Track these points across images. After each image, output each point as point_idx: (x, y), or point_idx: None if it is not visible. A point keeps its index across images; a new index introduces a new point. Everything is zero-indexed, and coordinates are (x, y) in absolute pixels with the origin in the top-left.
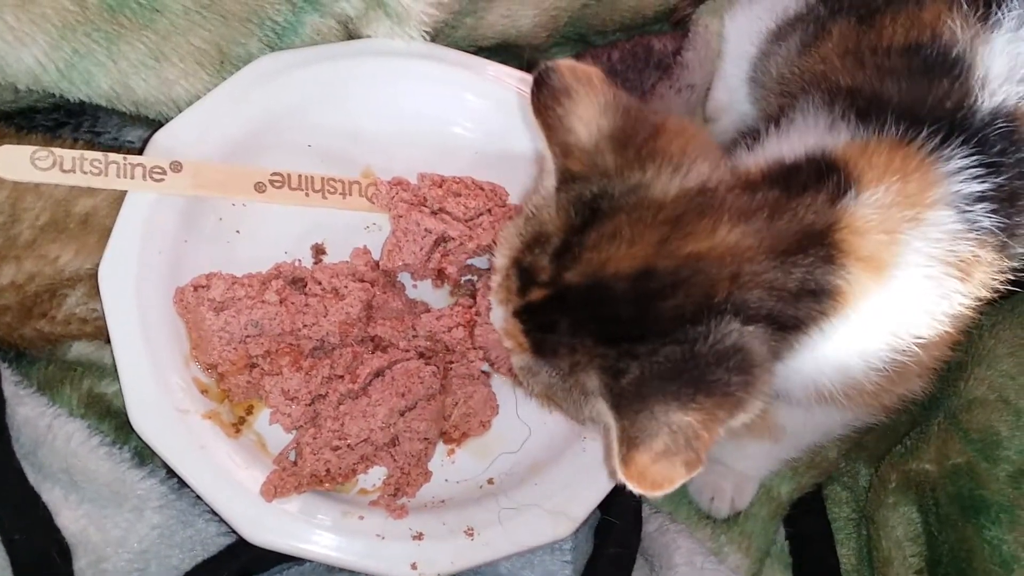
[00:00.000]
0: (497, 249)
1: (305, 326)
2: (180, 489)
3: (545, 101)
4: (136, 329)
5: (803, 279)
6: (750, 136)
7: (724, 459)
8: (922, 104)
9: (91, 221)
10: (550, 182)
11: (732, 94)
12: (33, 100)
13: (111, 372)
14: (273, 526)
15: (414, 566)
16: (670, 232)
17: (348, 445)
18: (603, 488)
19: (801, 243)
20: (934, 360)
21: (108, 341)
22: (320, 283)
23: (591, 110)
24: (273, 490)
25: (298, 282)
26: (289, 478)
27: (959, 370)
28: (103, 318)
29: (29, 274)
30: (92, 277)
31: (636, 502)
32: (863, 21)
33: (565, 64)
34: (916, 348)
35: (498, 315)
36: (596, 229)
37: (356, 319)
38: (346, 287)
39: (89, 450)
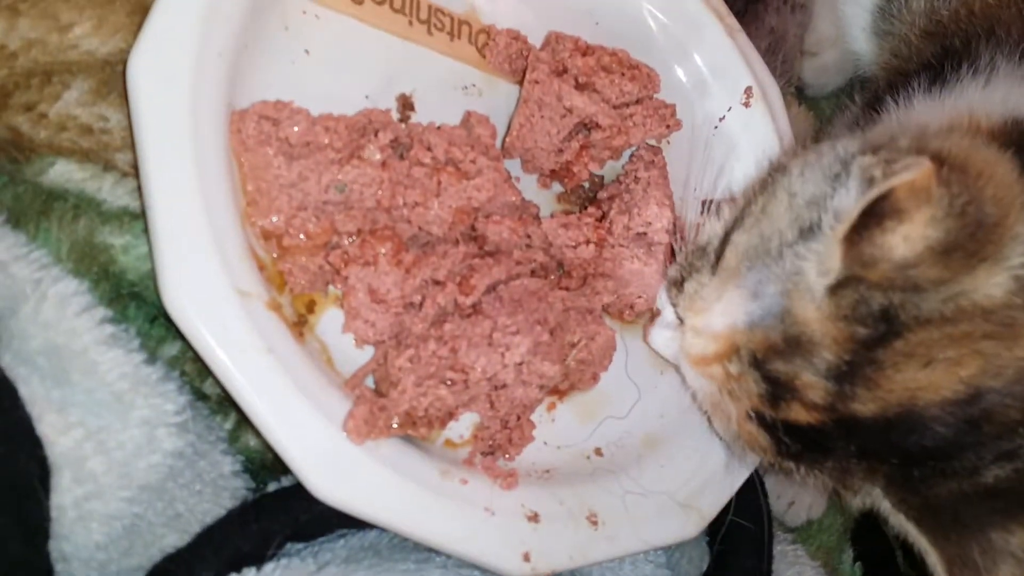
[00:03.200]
0: (688, 307)
1: (407, 205)
2: (196, 402)
3: (865, 225)
4: (187, 161)
5: None
6: (924, 77)
7: None
8: None
9: None
10: (817, 280)
11: (843, 27)
12: None
13: (116, 216)
14: (356, 480)
15: (527, 557)
16: (1000, 345)
17: (465, 382)
18: (736, 480)
19: None
20: None
21: (108, 168)
22: (431, 149)
23: (920, 228)
24: (363, 428)
25: (395, 143)
26: (380, 414)
27: None
28: (111, 132)
29: (24, 38)
30: (108, 68)
31: (764, 502)
32: None
33: (904, 185)
34: None
35: (700, 384)
36: (899, 350)
37: (476, 209)
38: (474, 162)
39: (92, 325)
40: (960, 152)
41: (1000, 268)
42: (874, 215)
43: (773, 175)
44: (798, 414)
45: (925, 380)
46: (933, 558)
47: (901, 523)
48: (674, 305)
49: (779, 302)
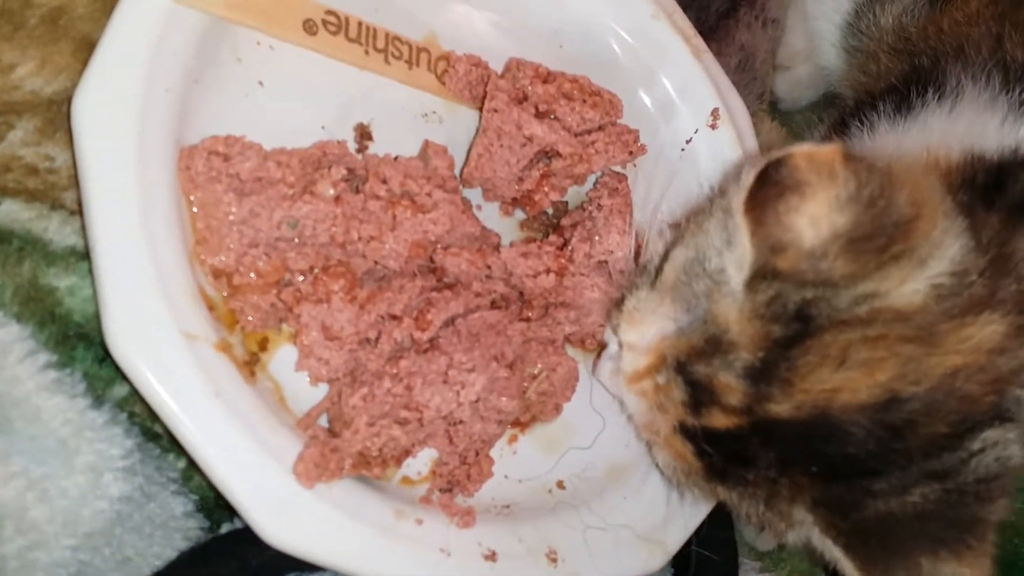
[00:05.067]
0: (627, 320)
1: (361, 240)
2: (146, 443)
3: (764, 198)
4: (132, 201)
5: None
6: (890, 101)
7: None
8: None
9: (62, 22)
10: (735, 274)
11: (815, 40)
12: None
13: (62, 256)
14: (306, 524)
15: None
16: (919, 350)
17: (420, 420)
18: (700, 511)
19: None
20: None
21: (55, 207)
22: (386, 182)
23: (824, 207)
24: (313, 471)
25: (351, 176)
26: (332, 455)
27: None
28: (58, 172)
29: None
30: (53, 107)
31: (730, 533)
32: None
33: (802, 154)
34: None
35: (634, 403)
36: (813, 350)
37: (433, 242)
38: (429, 195)
39: (34, 371)
40: (882, 159)
41: (917, 274)
42: (775, 184)
43: (713, 197)
44: (717, 419)
45: (840, 381)
46: None
47: (830, 550)
48: (614, 328)
49: (704, 306)
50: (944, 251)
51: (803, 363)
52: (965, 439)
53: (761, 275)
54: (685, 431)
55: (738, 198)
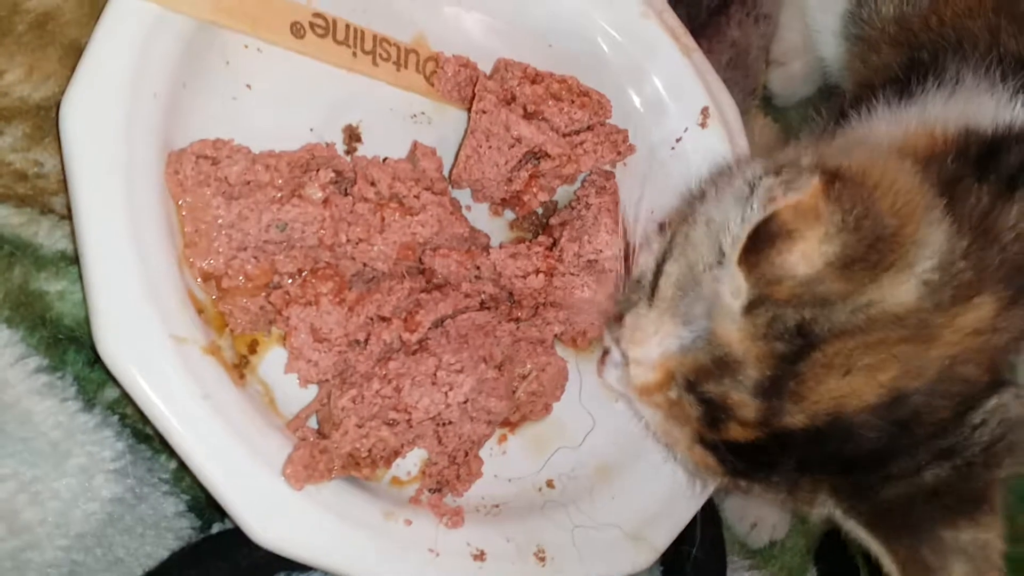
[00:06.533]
0: (629, 339)
1: (350, 242)
2: (137, 445)
3: (757, 251)
4: (119, 205)
5: None
6: (890, 90)
7: None
8: None
9: (50, 28)
10: (732, 301)
11: (814, 30)
12: None
13: (52, 261)
14: (296, 525)
15: None
16: (917, 347)
17: (408, 421)
18: (688, 510)
19: None
20: None
21: (45, 212)
22: (375, 184)
23: (814, 243)
24: (303, 473)
25: (339, 178)
26: (321, 457)
27: None
28: (47, 177)
29: None
30: (41, 113)
31: (718, 531)
32: None
33: (787, 208)
34: None
35: (649, 415)
36: (818, 362)
37: (421, 244)
38: (417, 197)
39: (25, 375)
40: (858, 166)
41: (907, 274)
42: (766, 236)
43: (693, 203)
44: (736, 433)
45: (847, 388)
46: (887, 561)
47: (853, 529)
48: (616, 340)
49: (705, 325)
50: (929, 247)
51: (810, 375)
52: (967, 416)
53: (759, 302)
54: (704, 441)
55: (733, 251)
